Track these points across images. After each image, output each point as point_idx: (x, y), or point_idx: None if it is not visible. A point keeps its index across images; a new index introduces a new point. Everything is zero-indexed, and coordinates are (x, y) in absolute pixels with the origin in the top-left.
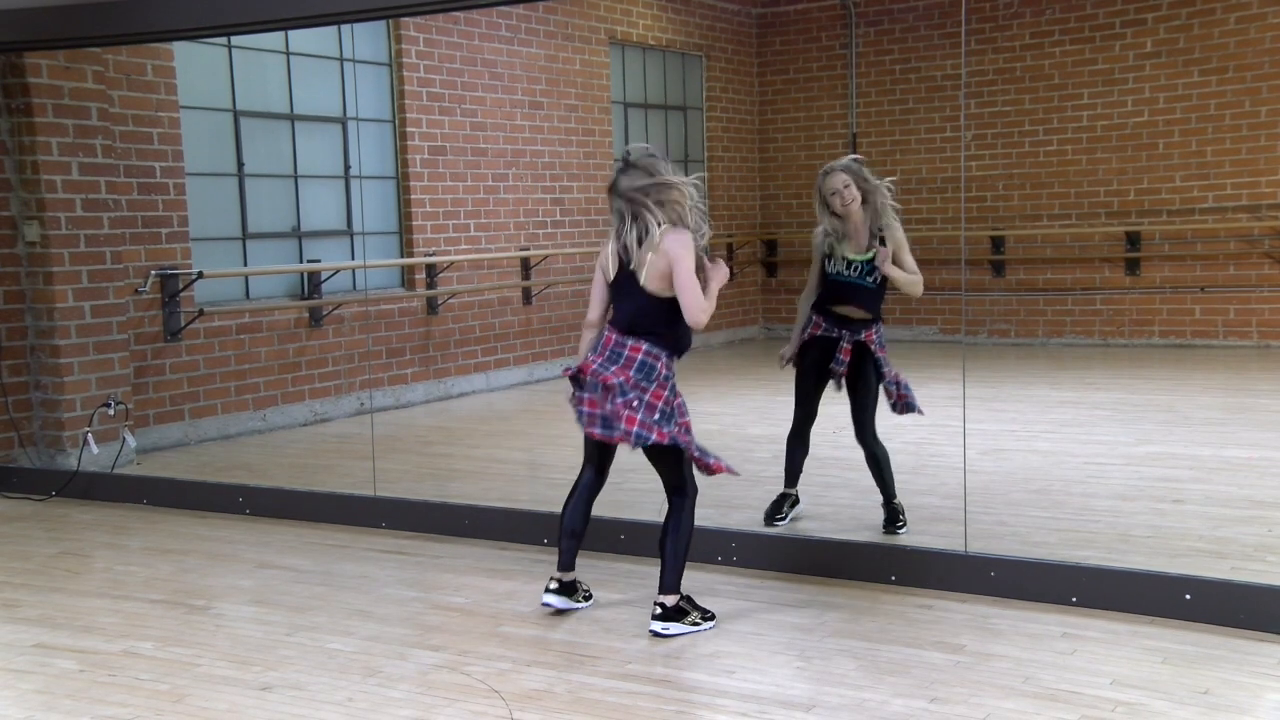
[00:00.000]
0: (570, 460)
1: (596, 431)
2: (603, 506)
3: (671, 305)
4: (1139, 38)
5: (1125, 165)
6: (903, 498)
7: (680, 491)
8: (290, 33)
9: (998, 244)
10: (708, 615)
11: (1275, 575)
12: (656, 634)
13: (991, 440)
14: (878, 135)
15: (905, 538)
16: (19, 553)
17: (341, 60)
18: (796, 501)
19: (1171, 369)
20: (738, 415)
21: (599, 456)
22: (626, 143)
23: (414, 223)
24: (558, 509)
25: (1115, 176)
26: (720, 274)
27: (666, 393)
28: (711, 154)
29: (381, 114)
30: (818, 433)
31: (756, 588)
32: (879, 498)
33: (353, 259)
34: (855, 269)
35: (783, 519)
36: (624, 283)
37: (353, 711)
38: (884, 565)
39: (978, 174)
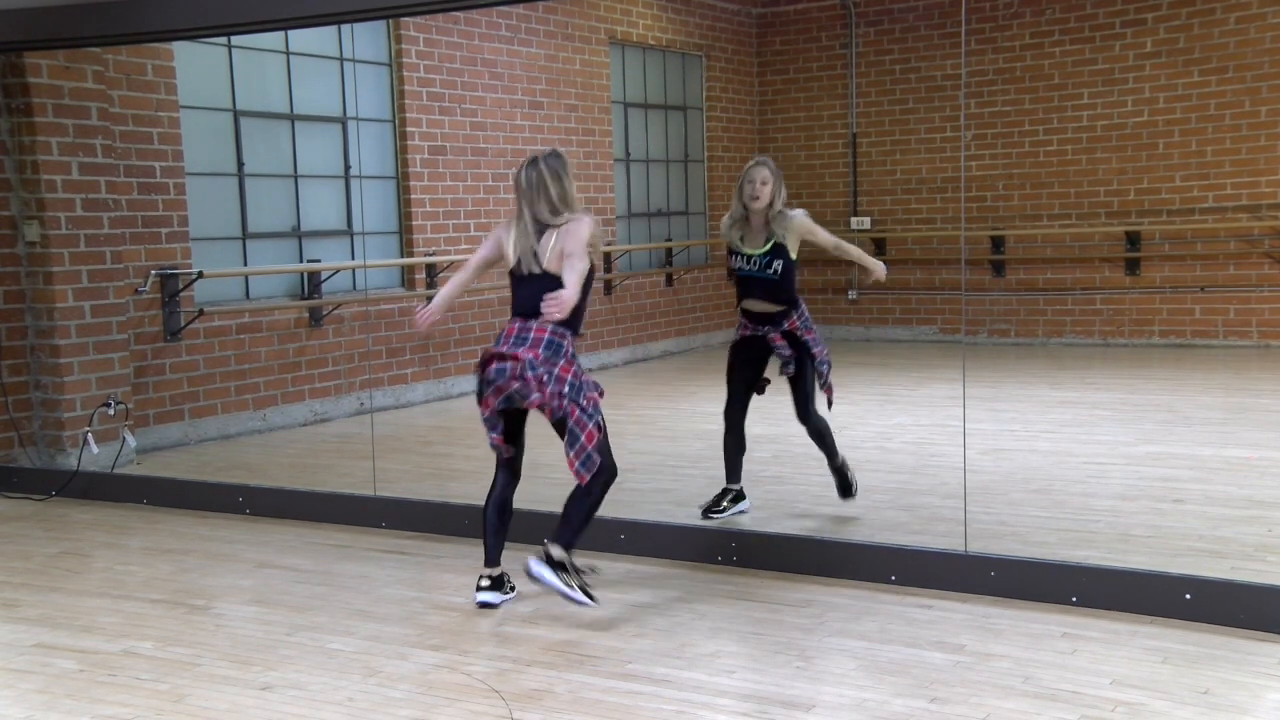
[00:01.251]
0: None
1: (512, 386)
2: (603, 506)
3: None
4: (1139, 37)
5: (1125, 165)
6: (903, 497)
7: (601, 465)
8: (290, 32)
9: (998, 244)
10: (589, 593)
11: (1275, 575)
12: (528, 571)
13: (991, 440)
14: (878, 135)
15: (905, 538)
16: (19, 552)
17: (341, 60)
18: (740, 497)
19: (1171, 369)
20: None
21: (509, 464)
22: (627, 142)
23: (414, 223)
24: (558, 509)
25: (1115, 176)
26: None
27: (575, 368)
28: (711, 154)
29: (381, 114)
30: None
31: (756, 587)
32: (879, 498)
33: (353, 259)
34: (754, 262)
35: (720, 513)
36: (524, 270)
37: (353, 711)
38: (884, 565)
39: (978, 174)
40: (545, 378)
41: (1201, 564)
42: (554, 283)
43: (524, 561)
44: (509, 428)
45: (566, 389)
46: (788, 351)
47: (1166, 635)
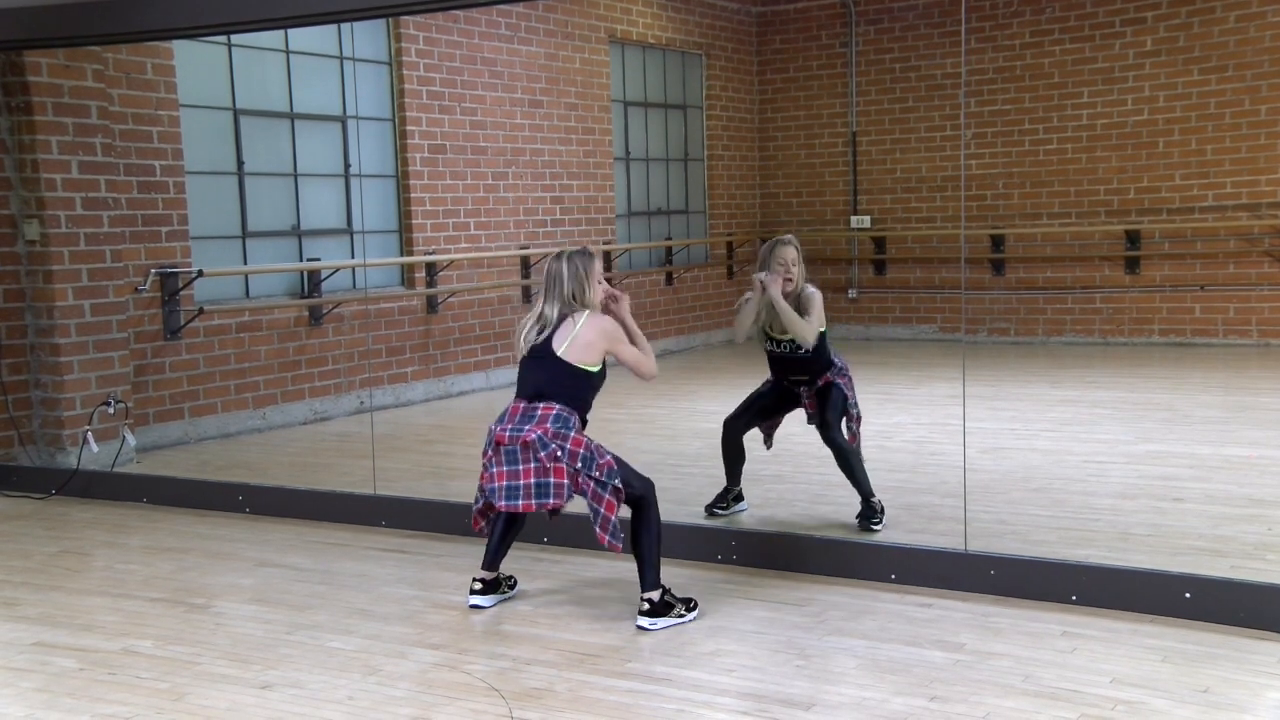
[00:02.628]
0: None
1: (532, 504)
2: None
3: (582, 375)
4: (1139, 36)
5: (1125, 163)
6: (903, 496)
7: (635, 497)
8: (290, 31)
9: (998, 243)
10: (690, 605)
11: (1275, 574)
12: (643, 629)
13: (991, 439)
14: (878, 134)
15: (905, 536)
16: (19, 551)
17: (341, 59)
18: (740, 497)
19: (1171, 367)
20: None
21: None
22: (627, 141)
23: (414, 221)
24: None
25: (1115, 175)
26: (625, 305)
27: (585, 438)
28: (711, 153)
29: (381, 112)
30: (817, 431)
31: (756, 586)
32: (879, 497)
33: (352, 257)
34: (784, 346)
35: (724, 509)
36: (537, 355)
37: (353, 710)
38: (884, 564)
39: (978, 172)
40: (559, 453)
41: (1201, 563)
42: (565, 368)
43: (635, 623)
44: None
45: (580, 464)
46: (811, 411)
47: (1166, 634)
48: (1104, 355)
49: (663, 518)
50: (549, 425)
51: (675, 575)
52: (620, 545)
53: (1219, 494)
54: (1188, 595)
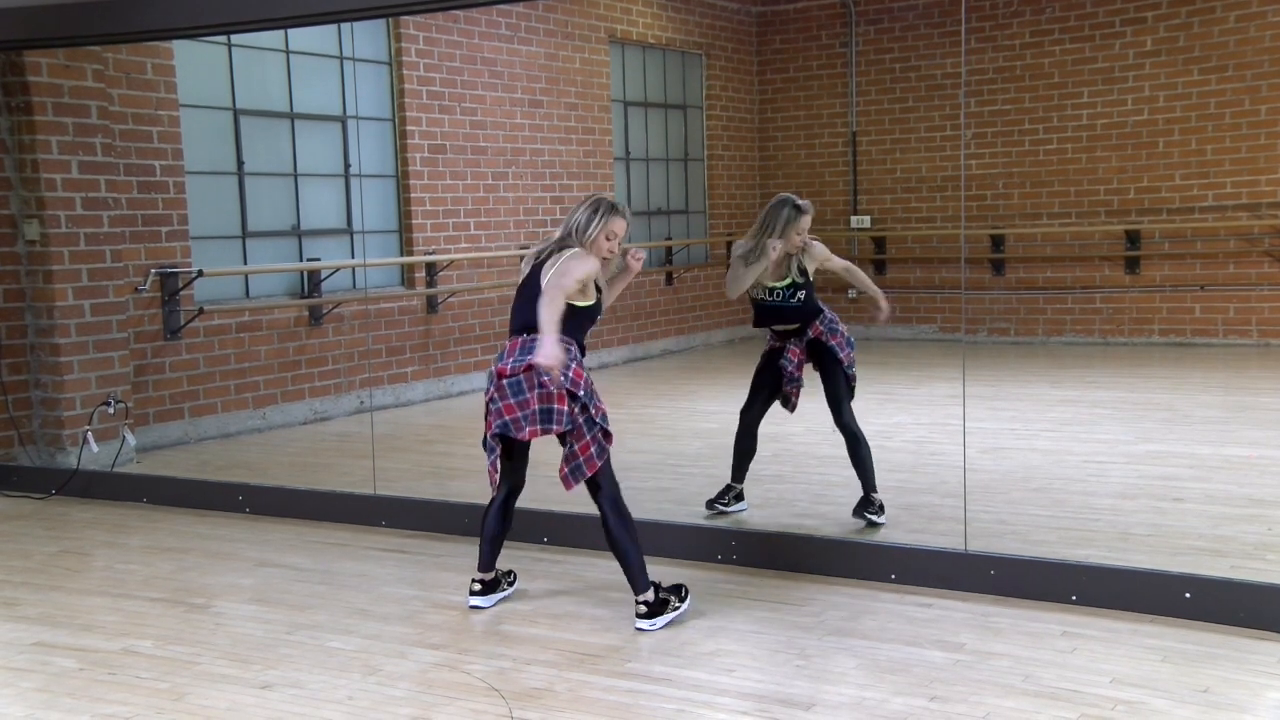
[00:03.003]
0: None
1: (537, 429)
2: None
3: (570, 309)
4: (1139, 36)
5: (1125, 163)
6: (903, 496)
7: (608, 497)
8: (290, 31)
9: (998, 243)
10: (683, 594)
11: (1275, 574)
12: (643, 630)
13: (991, 439)
14: (878, 134)
15: (905, 536)
16: (19, 551)
17: (341, 59)
18: (740, 496)
19: (1171, 367)
20: (738, 414)
21: (513, 472)
22: (627, 141)
23: (414, 221)
24: (558, 508)
25: (1115, 175)
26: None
27: (586, 374)
28: (711, 153)
29: (381, 112)
30: (818, 431)
31: (756, 586)
32: (880, 497)
33: (352, 257)
34: (777, 294)
35: (724, 505)
36: (528, 286)
37: (353, 710)
38: (884, 564)
39: (978, 172)
40: (563, 378)
41: (1201, 563)
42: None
43: (634, 626)
44: (513, 446)
45: (581, 393)
46: (792, 366)
47: (1166, 634)
48: (1104, 355)
49: (662, 517)
50: None
51: (675, 575)
52: (572, 485)
53: (1219, 494)
54: (1188, 595)
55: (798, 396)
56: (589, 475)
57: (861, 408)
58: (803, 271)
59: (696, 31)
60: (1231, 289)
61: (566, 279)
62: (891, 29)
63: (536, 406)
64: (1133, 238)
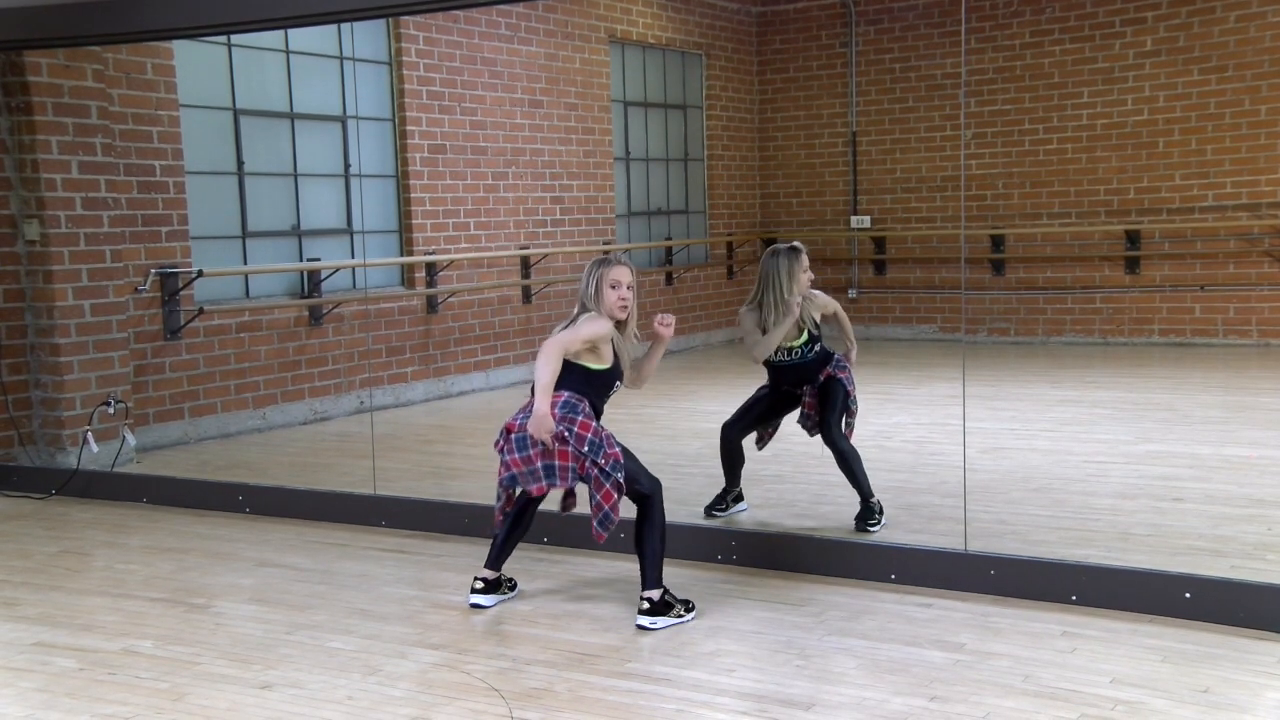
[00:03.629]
0: None
1: (543, 485)
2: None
3: (583, 371)
4: (1139, 36)
5: (1125, 163)
6: (903, 496)
7: (642, 496)
8: (290, 31)
9: (998, 243)
10: (689, 606)
11: (1275, 574)
12: (644, 628)
13: (991, 439)
14: (878, 134)
15: (905, 536)
16: (19, 551)
17: (341, 59)
18: (739, 498)
19: (1171, 367)
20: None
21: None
22: (627, 141)
23: (414, 221)
24: (557, 508)
25: (1115, 175)
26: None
27: (594, 424)
28: (711, 153)
29: (381, 112)
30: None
31: (756, 586)
32: (879, 497)
33: (352, 258)
34: (796, 353)
35: (722, 511)
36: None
37: (353, 710)
38: (884, 564)
39: (978, 172)
40: (565, 434)
41: (1201, 563)
42: (564, 363)
43: (635, 623)
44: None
45: (586, 448)
46: (810, 422)
47: (1166, 634)
48: (1104, 355)
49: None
50: (556, 410)
51: (675, 575)
52: (604, 535)
53: (1219, 494)
54: (1188, 595)
55: (771, 438)
56: (616, 520)
57: (862, 407)
58: (815, 324)
59: (696, 31)
60: (1231, 289)
61: (570, 334)
62: (891, 29)
63: (540, 464)
64: (1133, 238)
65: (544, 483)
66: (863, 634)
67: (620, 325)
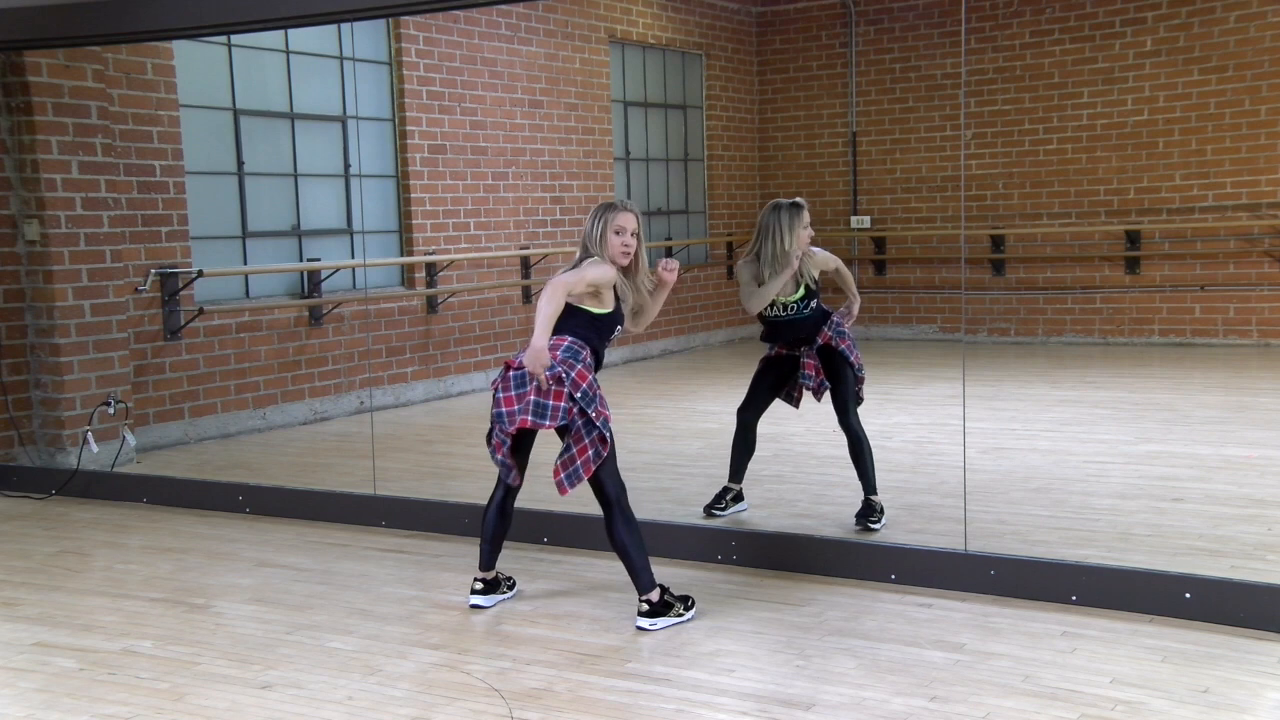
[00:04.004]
0: None
1: (528, 419)
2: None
3: (585, 315)
4: (1139, 36)
5: (1125, 164)
6: (903, 496)
7: (609, 499)
8: (290, 31)
9: (998, 243)
10: (689, 604)
11: (1275, 574)
12: (644, 629)
13: (991, 439)
14: (878, 134)
15: (905, 536)
16: (19, 551)
17: (341, 59)
18: (739, 497)
19: (1171, 368)
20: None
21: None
22: (627, 141)
23: (414, 221)
24: (557, 508)
25: (1115, 175)
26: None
27: (591, 376)
28: (711, 153)
29: (381, 113)
30: (818, 431)
31: (756, 587)
32: (880, 498)
33: (352, 258)
34: (791, 309)
35: (722, 510)
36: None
37: (353, 710)
38: (884, 564)
39: (978, 173)
40: (562, 376)
41: (1201, 563)
42: (566, 306)
43: (634, 625)
44: (516, 441)
45: (579, 394)
46: (814, 383)
47: (1166, 634)
48: (1104, 355)
49: (662, 518)
50: (558, 353)
51: (675, 575)
52: (568, 490)
53: (1219, 494)
54: (1188, 595)
55: (802, 394)
56: (585, 479)
57: (862, 407)
58: (813, 279)
59: (696, 31)
60: (1231, 289)
61: (574, 275)
62: (891, 29)
63: (532, 398)
64: (1133, 238)
65: (531, 418)
66: (863, 634)
67: (627, 271)
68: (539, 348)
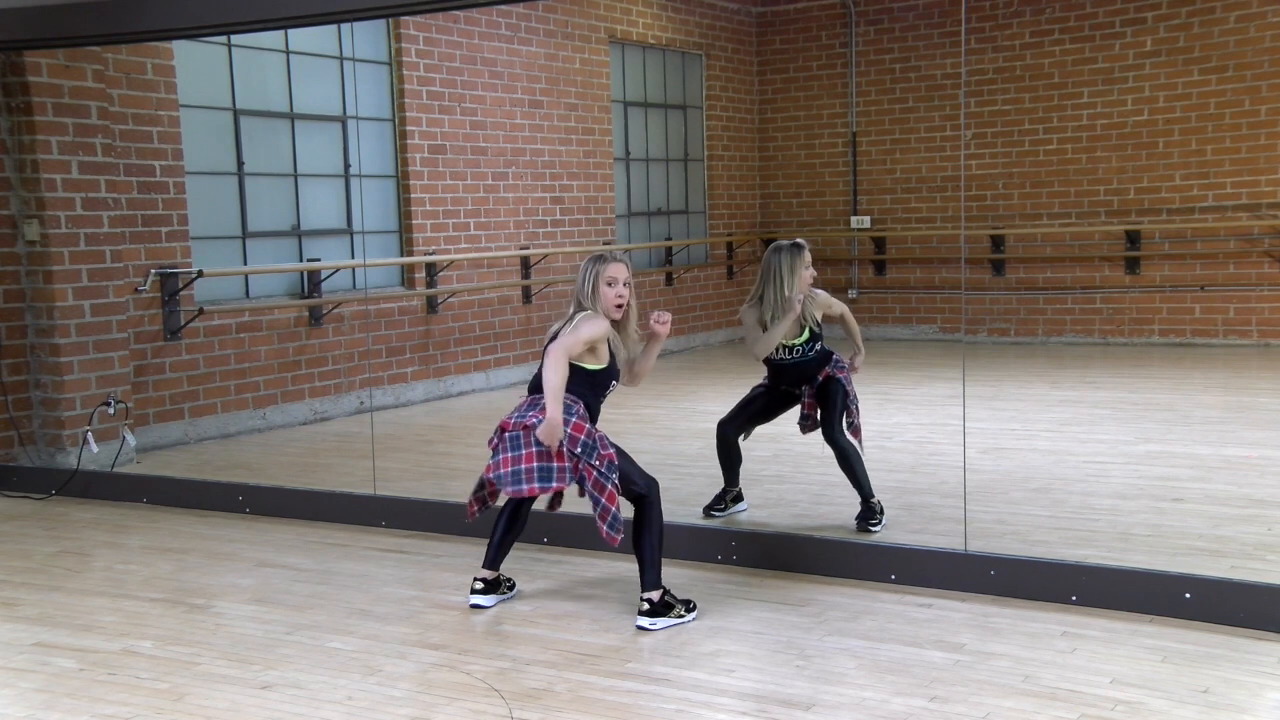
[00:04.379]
0: None
1: (535, 488)
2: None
3: (581, 372)
4: (1139, 36)
5: (1125, 164)
6: (903, 496)
7: (639, 496)
8: (290, 31)
9: (998, 243)
10: (690, 606)
11: (1275, 574)
12: (643, 629)
13: (991, 439)
14: (878, 135)
15: (905, 537)
16: (19, 551)
17: (341, 59)
18: (739, 497)
19: (1171, 368)
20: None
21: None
22: (627, 141)
23: (414, 221)
24: (544, 507)
25: (1115, 175)
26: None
27: (588, 425)
28: (711, 153)
29: (381, 113)
30: (817, 431)
31: (756, 587)
32: (879, 497)
33: (352, 258)
34: (797, 352)
35: (721, 511)
36: (545, 349)
37: (352, 710)
38: (884, 564)
39: (978, 173)
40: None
41: (1201, 563)
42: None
43: (635, 624)
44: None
45: (579, 449)
46: (808, 423)
47: (1166, 634)
48: (1104, 355)
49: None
50: None
51: (675, 575)
52: (618, 538)
53: (1219, 494)
54: (1188, 595)
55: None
56: (620, 514)
57: (862, 408)
58: (817, 322)
59: (696, 32)
60: (1231, 289)
61: (572, 338)
62: (891, 29)
63: (536, 464)
64: (1133, 238)
65: (537, 484)
66: (863, 634)
67: (619, 325)
68: (555, 422)
